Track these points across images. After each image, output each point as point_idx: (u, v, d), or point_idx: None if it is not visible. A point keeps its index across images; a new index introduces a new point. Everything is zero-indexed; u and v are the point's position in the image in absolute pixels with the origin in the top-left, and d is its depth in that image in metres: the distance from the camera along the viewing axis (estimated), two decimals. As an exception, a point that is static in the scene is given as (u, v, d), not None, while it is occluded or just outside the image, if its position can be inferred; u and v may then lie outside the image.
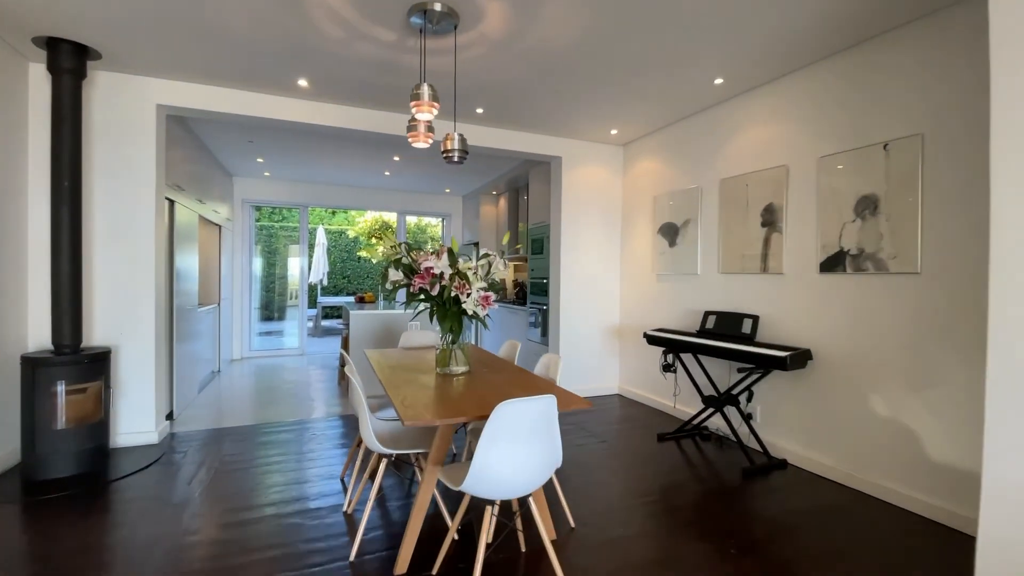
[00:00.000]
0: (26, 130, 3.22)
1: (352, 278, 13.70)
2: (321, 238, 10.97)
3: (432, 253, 2.50)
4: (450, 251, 2.47)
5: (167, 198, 3.93)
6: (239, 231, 6.99)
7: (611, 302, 5.17)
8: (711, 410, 3.98)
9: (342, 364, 5.59)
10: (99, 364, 3.15)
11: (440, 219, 8.40)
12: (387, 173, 6.54)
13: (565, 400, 2.00)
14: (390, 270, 2.54)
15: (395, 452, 2.18)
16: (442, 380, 2.40)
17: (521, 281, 6.99)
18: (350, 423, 4.09)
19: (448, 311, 2.46)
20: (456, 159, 2.68)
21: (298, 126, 3.98)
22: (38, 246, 3.28)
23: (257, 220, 13.66)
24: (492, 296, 2.53)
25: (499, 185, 6.84)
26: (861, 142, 2.89)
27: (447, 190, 7.78)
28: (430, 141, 2.67)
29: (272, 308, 12.29)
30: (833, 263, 3.04)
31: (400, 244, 2.55)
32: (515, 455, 1.73)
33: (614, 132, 4.70)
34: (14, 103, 3.10)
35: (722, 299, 3.92)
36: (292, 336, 8.32)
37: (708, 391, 4.04)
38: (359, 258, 13.77)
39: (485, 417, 1.78)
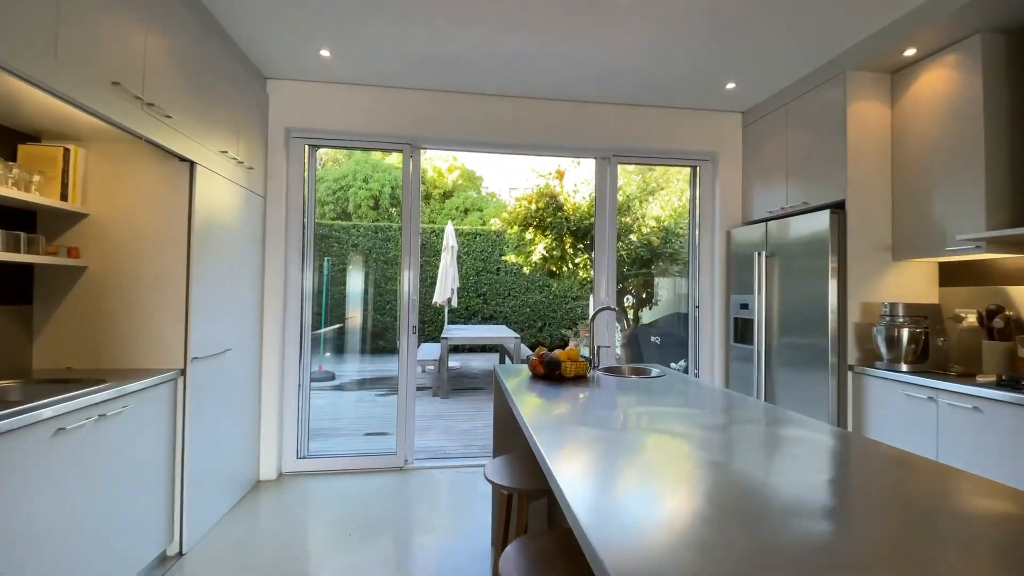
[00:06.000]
0: None
1: (489, 297, 9.76)
2: (450, 239, 7.28)
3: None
4: None
5: None
6: (281, 192, 3.31)
7: None
8: None
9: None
10: None
11: (692, 168, 3.88)
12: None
13: None
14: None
15: None
16: None
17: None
18: None
19: None
20: None
21: None
22: None
23: (375, 220, 10.54)
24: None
25: (950, 24, 2.23)
26: None
27: (730, 85, 3.31)
28: None
29: (385, 339, 8.98)
30: None
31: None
32: None
33: None
34: None
35: None
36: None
37: None
38: (498, 268, 9.83)
39: None
